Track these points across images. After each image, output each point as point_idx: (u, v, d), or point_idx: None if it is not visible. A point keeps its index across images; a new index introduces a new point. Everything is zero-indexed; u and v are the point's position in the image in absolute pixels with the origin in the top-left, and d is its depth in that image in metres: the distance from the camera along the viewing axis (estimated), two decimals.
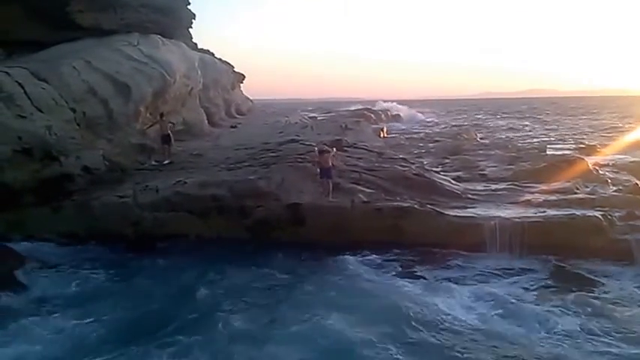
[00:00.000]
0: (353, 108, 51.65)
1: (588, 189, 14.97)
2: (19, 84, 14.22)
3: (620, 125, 45.99)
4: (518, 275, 10.29)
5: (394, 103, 59.56)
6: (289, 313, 8.41)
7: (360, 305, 8.64)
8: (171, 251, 11.82)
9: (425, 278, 10.14)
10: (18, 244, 11.67)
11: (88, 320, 8.43)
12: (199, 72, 22.79)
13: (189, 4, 24.78)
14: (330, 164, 13.01)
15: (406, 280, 10.01)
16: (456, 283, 9.87)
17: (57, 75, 15.41)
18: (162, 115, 17.15)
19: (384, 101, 57.06)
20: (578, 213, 11.97)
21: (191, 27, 26.00)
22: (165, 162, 16.08)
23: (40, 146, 13.74)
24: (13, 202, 12.96)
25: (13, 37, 17.96)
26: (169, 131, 16.80)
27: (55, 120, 14.37)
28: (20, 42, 18.04)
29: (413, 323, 8.04)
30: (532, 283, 9.86)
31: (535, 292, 9.45)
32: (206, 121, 23.43)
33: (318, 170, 13.02)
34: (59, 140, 14.13)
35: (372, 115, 40.26)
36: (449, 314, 8.37)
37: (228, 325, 8.03)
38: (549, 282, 9.84)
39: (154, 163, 16.33)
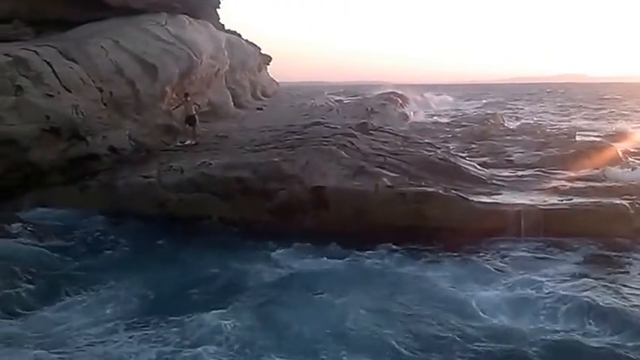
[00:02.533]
0: (379, 92, 51.13)
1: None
2: (48, 63, 14.39)
3: None
4: (548, 263, 10.02)
5: (429, 94, 58.15)
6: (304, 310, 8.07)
7: (389, 300, 8.43)
8: (194, 232, 11.92)
9: (451, 267, 9.93)
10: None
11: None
12: (226, 53, 22.76)
13: None
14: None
15: (433, 271, 9.74)
16: (484, 272, 9.64)
17: (85, 54, 15.55)
18: (187, 95, 17.04)
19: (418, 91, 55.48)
20: (604, 201, 11.73)
21: (219, 7, 25.88)
22: (188, 142, 16.15)
23: (68, 126, 13.93)
24: (40, 180, 13.22)
25: (42, 16, 18.13)
26: (194, 112, 16.78)
27: (82, 99, 14.53)
28: (49, 21, 18.21)
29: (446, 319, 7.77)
30: (564, 271, 9.54)
31: (570, 282, 9.03)
32: (232, 103, 23.46)
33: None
34: (86, 120, 14.31)
35: (399, 99, 39.70)
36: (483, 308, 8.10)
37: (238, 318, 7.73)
38: (582, 270, 9.55)
39: (178, 143, 16.46)
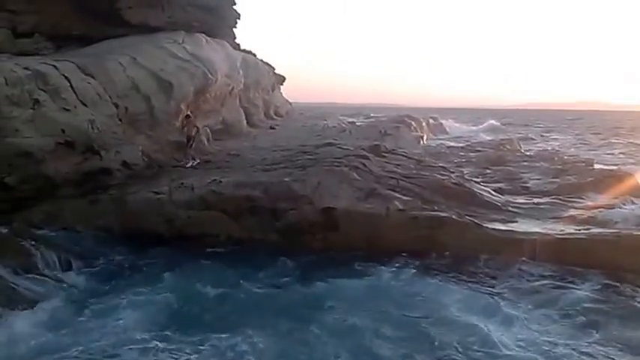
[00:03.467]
0: (393, 114, 51.00)
1: (636, 205, 14.25)
2: (66, 77, 14.51)
3: None
4: (561, 296, 9.60)
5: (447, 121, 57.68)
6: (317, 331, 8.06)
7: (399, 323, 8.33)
8: (202, 250, 11.81)
9: (464, 291, 9.72)
10: (53, 233, 11.91)
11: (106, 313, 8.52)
12: (241, 72, 22.95)
13: (234, 4, 25.00)
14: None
15: (444, 293, 9.59)
16: (495, 300, 9.36)
17: (103, 70, 15.69)
18: (188, 116, 16.70)
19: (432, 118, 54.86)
20: (623, 231, 11.42)
21: (235, 27, 26.20)
22: (189, 164, 15.59)
23: (83, 140, 13.98)
24: (53, 193, 13.23)
25: (62, 31, 18.48)
26: (193, 134, 16.27)
27: (98, 114, 14.61)
28: (69, 36, 18.55)
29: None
30: (576, 306, 9.13)
31: (579, 318, 8.70)
32: (245, 122, 23.56)
33: None
34: (101, 134, 14.36)
35: (413, 122, 39.64)
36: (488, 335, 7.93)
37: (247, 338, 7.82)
38: (595, 306, 9.11)
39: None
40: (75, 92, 14.52)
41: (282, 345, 7.61)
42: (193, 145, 16.38)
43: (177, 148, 16.52)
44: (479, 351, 7.46)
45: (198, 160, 15.93)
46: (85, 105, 14.57)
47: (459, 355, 7.38)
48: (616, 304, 9.09)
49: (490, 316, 8.59)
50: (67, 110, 14.10)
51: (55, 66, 14.79)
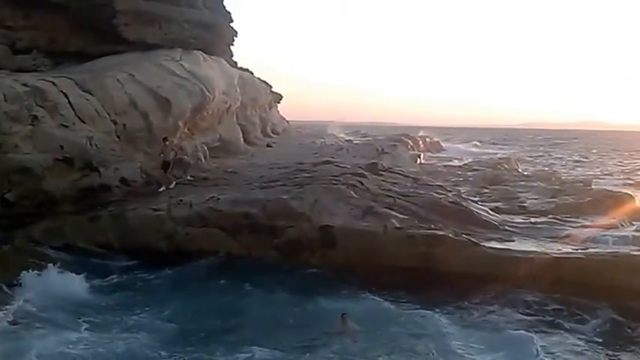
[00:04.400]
0: (391, 133, 51.25)
1: (635, 226, 14.30)
2: (64, 94, 14.61)
3: None
4: (558, 319, 9.59)
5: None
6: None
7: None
8: (202, 267, 11.82)
9: (458, 319, 9.62)
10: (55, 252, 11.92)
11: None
12: (238, 89, 23.04)
13: (232, 21, 25.17)
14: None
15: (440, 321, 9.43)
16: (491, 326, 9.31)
17: (101, 86, 15.79)
18: (165, 139, 15.69)
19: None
20: (621, 251, 11.43)
21: (233, 44, 26.37)
22: (161, 189, 14.95)
23: (81, 156, 14.02)
24: (52, 209, 13.24)
25: (60, 48, 18.61)
26: (170, 158, 15.48)
27: (96, 131, 14.68)
28: (67, 53, 18.66)
29: None
30: (576, 332, 9.11)
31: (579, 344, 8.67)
32: (242, 139, 23.58)
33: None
34: (99, 151, 14.41)
35: (410, 141, 39.84)
36: None
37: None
38: (597, 332, 9.08)
39: (188, 178, 16.43)
40: (73, 108, 14.61)
41: None
42: (172, 171, 15.53)
43: (176, 165, 16.50)
44: None
45: (173, 185, 15.11)
46: (84, 121, 14.64)
47: None
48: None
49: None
50: (66, 127, 14.17)
51: (53, 82, 14.88)
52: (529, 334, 8.83)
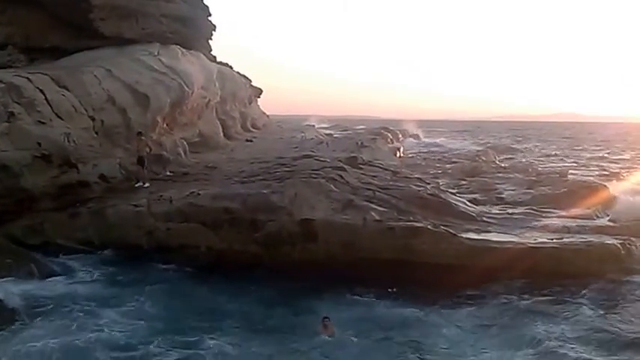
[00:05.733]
0: (370, 126, 51.58)
1: (609, 216, 14.65)
2: (40, 90, 14.42)
3: None
4: (530, 307, 9.85)
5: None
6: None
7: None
8: (183, 263, 11.85)
9: (435, 308, 9.88)
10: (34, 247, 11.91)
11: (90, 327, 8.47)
12: (217, 84, 22.95)
13: (210, 15, 24.94)
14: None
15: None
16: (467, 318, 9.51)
17: (78, 82, 15.60)
18: (140, 133, 15.51)
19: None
20: (595, 240, 11.73)
21: (211, 38, 26.14)
22: (138, 184, 14.79)
23: (59, 153, 13.88)
24: (31, 207, 13.14)
25: (36, 44, 18.30)
26: (145, 154, 15.18)
27: (74, 127, 14.53)
28: (43, 48, 18.36)
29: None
30: (552, 319, 9.35)
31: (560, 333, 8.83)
32: (222, 134, 23.50)
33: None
34: (77, 148, 14.28)
35: (389, 134, 40.09)
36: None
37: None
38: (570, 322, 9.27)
39: (168, 173, 16.35)
40: (50, 105, 14.43)
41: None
42: (148, 166, 15.29)
43: (156, 161, 16.41)
44: None
45: (148, 184, 14.83)
46: (61, 118, 14.48)
47: None
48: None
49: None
50: (43, 123, 14.00)
51: (29, 78, 14.68)
52: (523, 319, 9.17)
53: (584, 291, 10.34)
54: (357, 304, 10.06)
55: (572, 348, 8.09)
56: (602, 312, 9.48)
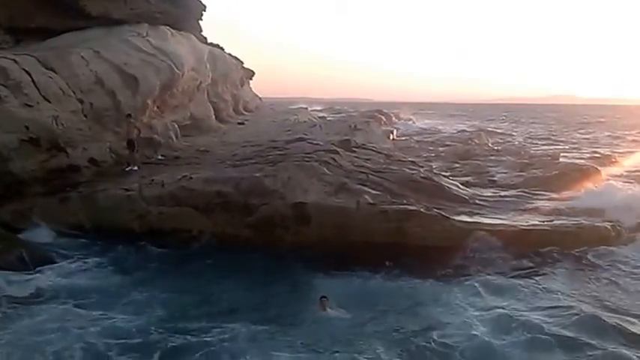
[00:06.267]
0: (363, 109, 51.46)
1: (600, 198, 14.67)
2: (27, 72, 14.13)
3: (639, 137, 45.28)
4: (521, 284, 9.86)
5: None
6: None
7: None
8: (175, 246, 11.76)
9: (429, 282, 9.96)
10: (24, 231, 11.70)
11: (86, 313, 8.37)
12: (208, 66, 22.67)
13: None
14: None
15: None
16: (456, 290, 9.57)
17: (65, 64, 15.32)
18: (129, 115, 15.34)
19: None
20: (585, 222, 11.80)
21: (201, 19, 25.78)
22: (129, 168, 14.69)
23: (47, 136, 13.68)
24: (20, 191, 12.97)
25: (22, 24, 17.87)
26: (134, 136, 15.05)
27: (61, 110, 14.29)
28: (29, 29, 17.96)
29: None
30: (538, 295, 9.43)
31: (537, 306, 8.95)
32: (213, 117, 23.32)
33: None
34: (66, 131, 14.08)
35: (383, 117, 39.99)
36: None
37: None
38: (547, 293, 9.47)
39: (159, 157, 16.20)
40: (37, 87, 14.16)
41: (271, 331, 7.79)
42: (138, 149, 15.12)
43: (147, 144, 16.25)
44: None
45: (137, 167, 14.72)
46: (48, 100, 14.22)
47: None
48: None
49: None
50: (30, 106, 13.75)
51: (15, 60, 14.36)
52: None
53: (565, 266, 10.54)
54: (353, 279, 10.09)
55: (533, 317, 8.27)
56: (576, 287, 9.67)
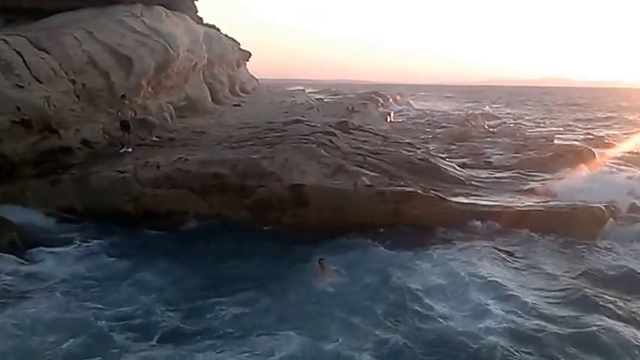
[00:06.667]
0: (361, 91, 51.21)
1: (593, 179, 14.71)
2: (18, 52, 13.84)
3: (632, 118, 45.33)
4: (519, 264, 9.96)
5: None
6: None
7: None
8: (172, 229, 11.67)
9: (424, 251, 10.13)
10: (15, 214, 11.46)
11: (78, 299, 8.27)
12: (204, 47, 22.39)
13: None
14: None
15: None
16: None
17: (57, 45, 15.02)
18: (124, 96, 15.02)
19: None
20: (580, 203, 11.83)
21: None
22: (123, 150, 14.45)
23: (39, 117, 13.45)
24: (12, 173, 12.76)
25: (12, 4, 17.56)
26: (129, 118, 14.74)
27: (53, 91, 14.04)
28: (19, 9, 17.66)
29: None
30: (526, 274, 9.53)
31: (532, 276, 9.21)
32: (209, 98, 23.10)
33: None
34: (58, 112, 13.84)
35: (380, 99, 39.80)
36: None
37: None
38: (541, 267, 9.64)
39: (154, 138, 16.04)
40: (28, 68, 13.87)
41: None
42: (132, 131, 14.86)
43: (141, 126, 16.06)
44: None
45: (131, 149, 14.48)
46: (40, 81, 13.93)
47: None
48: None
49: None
50: (21, 87, 13.48)
51: (5, 40, 14.05)
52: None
53: (556, 246, 10.62)
54: (351, 248, 10.26)
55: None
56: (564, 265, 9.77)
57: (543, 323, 7.37)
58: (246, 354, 6.67)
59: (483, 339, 6.90)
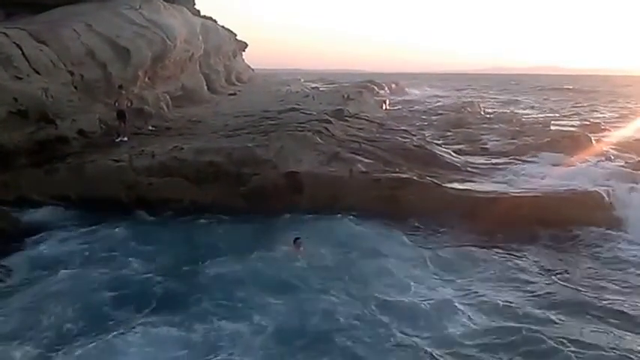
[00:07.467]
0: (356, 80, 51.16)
1: (590, 165, 14.83)
2: (18, 45, 13.93)
3: (627, 105, 45.39)
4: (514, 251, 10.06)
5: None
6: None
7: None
8: (167, 216, 11.76)
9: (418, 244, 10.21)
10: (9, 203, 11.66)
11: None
12: (200, 38, 22.47)
13: None
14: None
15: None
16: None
17: (56, 37, 15.12)
18: (121, 87, 15.24)
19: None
20: (578, 188, 11.88)
21: None
22: (119, 139, 14.59)
23: (36, 108, 13.54)
24: (7, 163, 12.83)
25: None
26: (125, 107, 14.87)
27: (52, 82, 14.13)
28: (20, 3, 17.75)
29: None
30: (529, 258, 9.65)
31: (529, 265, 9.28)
32: (206, 88, 23.19)
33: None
34: (55, 103, 13.93)
35: (376, 87, 39.78)
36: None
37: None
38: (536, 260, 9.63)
39: (150, 128, 16.14)
40: (27, 60, 13.96)
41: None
42: (128, 120, 14.96)
43: (137, 116, 16.16)
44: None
45: (127, 138, 14.63)
46: (39, 73, 14.04)
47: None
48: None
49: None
50: (20, 79, 13.58)
51: (5, 33, 14.13)
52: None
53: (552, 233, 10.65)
54: (332, 223, 10.58)
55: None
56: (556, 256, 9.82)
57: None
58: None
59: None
